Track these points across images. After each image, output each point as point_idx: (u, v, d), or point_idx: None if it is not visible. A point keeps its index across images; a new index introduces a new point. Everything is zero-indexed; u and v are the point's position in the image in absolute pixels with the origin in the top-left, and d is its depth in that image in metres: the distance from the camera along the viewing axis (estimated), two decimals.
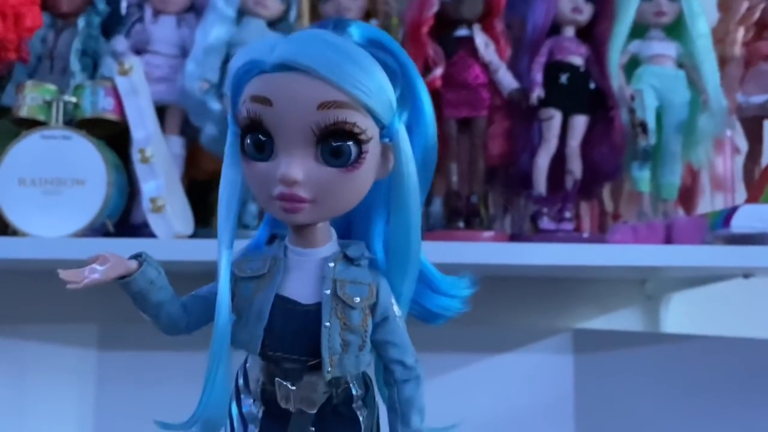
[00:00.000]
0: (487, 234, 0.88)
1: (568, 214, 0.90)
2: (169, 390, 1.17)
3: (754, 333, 0.92)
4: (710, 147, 0.90)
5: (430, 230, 0.90)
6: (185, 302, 0.42)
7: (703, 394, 1.03)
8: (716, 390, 1.01)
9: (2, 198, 0.77)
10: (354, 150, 0.38)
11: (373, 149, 0.38)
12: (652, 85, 0.89)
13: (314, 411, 0.40)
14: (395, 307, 0.41)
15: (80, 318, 1.14)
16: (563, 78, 0.89)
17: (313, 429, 0.40)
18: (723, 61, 0.92)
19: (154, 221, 0.77)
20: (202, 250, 0.77)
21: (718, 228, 0.77)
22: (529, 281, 1.19)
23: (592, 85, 0.90)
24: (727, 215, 0.76)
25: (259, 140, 0.38)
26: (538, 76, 0.89)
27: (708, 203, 1.04)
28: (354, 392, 0.41)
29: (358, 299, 0.40)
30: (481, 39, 0.89)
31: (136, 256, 0.40)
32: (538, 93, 0.88)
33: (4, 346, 1.03)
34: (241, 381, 0.43)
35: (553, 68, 0.90)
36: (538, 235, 0.88)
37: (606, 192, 1.04)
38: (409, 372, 0.42)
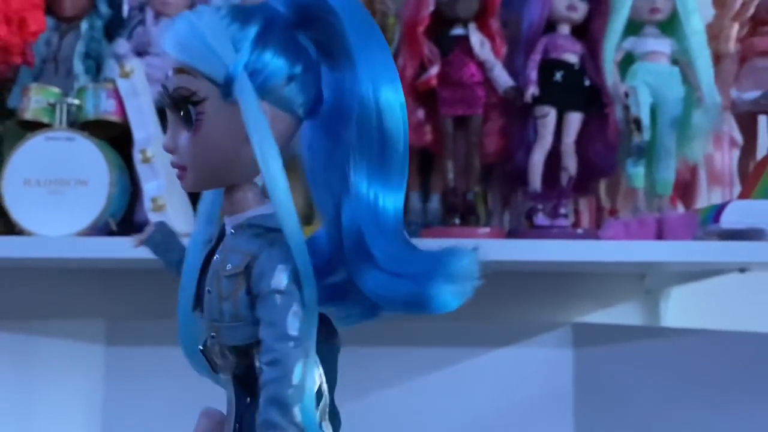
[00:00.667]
0: (483, 230, 0.89)
1: (563, 210, 0.91)
2: (176, 385, 1.19)
3: (752, 327, 0.93)
4: (706, 143, 0.91)
5: (426, 227, 0.92)
6: None
7: (703, 387, 1.04)
8: (715, 383, 1.02)
9: (9, 198, 0.80)
10: (193, 111, 0.39)
11: (211, 110, 0.39)
12: (647, 81, 0.90)
13: (227, 376, 0.42)
14: (277, 283, 0.38)
15: (88, 313, 1.16)
16: (558, 75, 0.90)
17: (232, 394, 0.42)
18: (717, 58, 0.93)
19: (155, 220, 0.79)
20: None
21: (709, 223, 0.78)
22: (528, 276, 1.20)
23: (586, 83, 0.91)
24: (718, 211, 0.77)
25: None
26: (533, 73, 0.90)
27: (706, 199, 1.05)
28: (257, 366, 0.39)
29: (229, 266, 0.39)
30: (476, 38, 0.90)
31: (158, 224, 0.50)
32: (532, 91, 0.89)
33: (14, 341, 1.05)
34: None
35: (548, 66, 0.91)
36: (534, 231, 0.89)
37: (603, 188, 1.05)
38: (266, 371, 0.37)
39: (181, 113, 0.39)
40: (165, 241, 0.49)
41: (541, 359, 1.20)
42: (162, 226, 0.50)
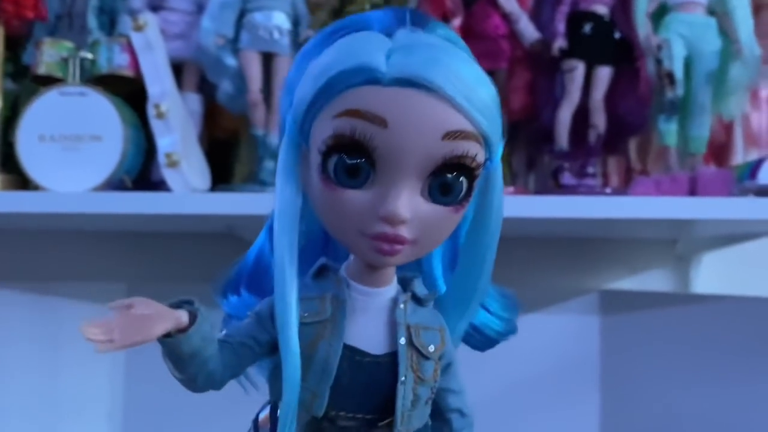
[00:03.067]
0: (508, 189, 0.86)
1: (591, 170, 0.88)
2: None
3: None
4: (743, 99, 0.87)
5: None
6: (220, 350, 0.34)
7: (733, 355, 1.01)
8: (746, 350, 0.99)
9: (23, 154, 0.79)
10: (465, 186, 0.32)
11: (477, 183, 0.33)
12: (681, 33, 0.85)
13: None
14: (453, 350, 0.37)
15: (109, 277, 1.16)
16: (587, 28, 0.86)
17: None
18: (757, 8, 0.88)
19: (169, 176, 0.78)
20: (217, 204, 0.77)
21: (746, 180, 0.74)
22: (555, 242, 1.17)
23: (617, 35, 0.87)
24: (755, 167, 0.73)
25: (354, 164, 0.31)
26: (561, 25, 0.86)
27: (741, 160, 1.00)
28: None
29: (432, 348, 0.35)
30: None
31: (182, 304, 0.32)
32: (560, 43, 0.85)
33: (39, 302, 1.06)
34: None
35: (577, 18, 0.87)
36: (560, 190, 0.86)
37: (633, 148, 1.01)
38: (465, 420, 0.38)
39: (442, 181, 0.32)
40: (211, 328, 0.33)
41: (568, 326, 1.17)
42: (201, 307, 0.33)
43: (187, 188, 0.79)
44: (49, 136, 0.79)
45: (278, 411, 0.34)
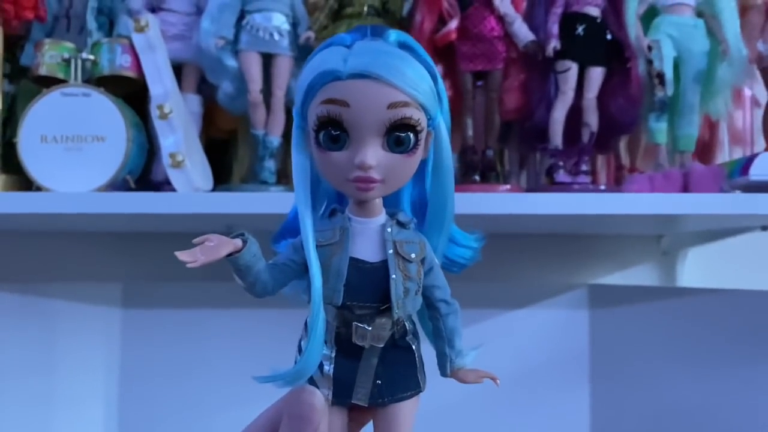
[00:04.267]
0: (503, 188, 0.88)
1: (584, 167, 0.90)
2: (192, 346, 1.20)
3: None
4: (729, 98, 0.89)
5: None
6: (270, 269, 0.49)
7: (719, 347, 1.03)
8: (731, 343, 1.02)
9: (25, 155, 0.79)
10: (412, 139, 0.46)
11: (424, 137, 0.47)
12: (670, 34, 0.88)
13: (382, 345, 0.48)
14: (435, 258, 0.50)
15: (105, 277, 1.16)
16: (580, 29, 0.88)
17: (375, 360, 0.49)
18: (744, 9, 0.91)
19: (174, 176, 0.79)
20: (221, 203, 0.78)
21: (736, 176, 0.76)
22: (544, 238, 1.19)
23: (608, 36, 0.89)
24: (746, 163, 0.76)
25: (335, 135, 0.45)
26: (555, 27, 0.88)
27: (726, 158, 1.03)
28: (407, 327, 0.50)
29: (413, 255, 0.48)
30: None
31: (239, 235, 0.47)
32: (554, 44, 0.87)
33: (33, 304, 1.05)
34: None
35: (570, 19, 0.88)
36: (555, 188, 0.88)
37: (622, 146, 1.04)
38: (450, 306, 0.50)
39: (395, 137, 0.46)
40: (258, 249, 0.48)
41: (558, 320, 1.19)
42: (249, 235, 0.48)
43: (191, 188, 0.80)
44: (51, 136, 0.79)
45: None
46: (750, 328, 0.99)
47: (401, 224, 0.49)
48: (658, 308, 1.14)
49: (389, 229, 0.48)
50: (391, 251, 0.48)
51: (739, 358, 1.00)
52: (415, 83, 0.45)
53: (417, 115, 0.45)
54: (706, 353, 1.06)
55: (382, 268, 0.48)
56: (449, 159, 0.49)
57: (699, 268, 1.23)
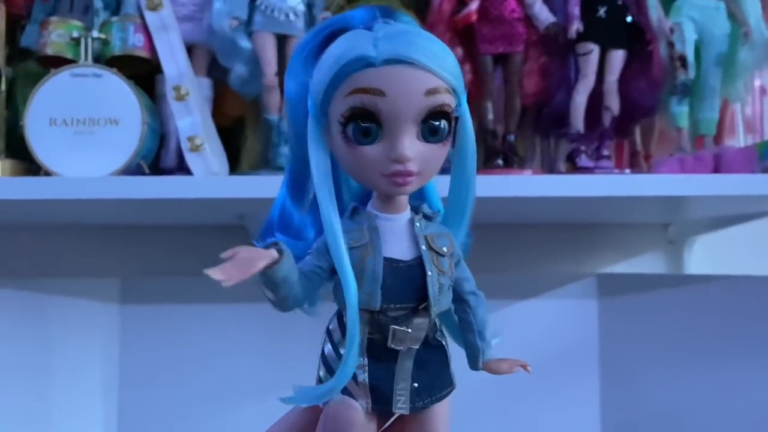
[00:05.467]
0: (526, 171, 0.86)
1: (606, 152, 0.89)
2: (191, 342, 1.17)
3: None
4: (750, 82, 0.89)
5: None
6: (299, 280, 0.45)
7: (729, 334, 1.03)
8: (742, 330, 1.02)
9: (33, 139, 0.75)
10: (446, 127, 0.43)
11: (455, 124, 0.44)
12: (692, 17, 0.87)
13: (418, 346, 0.45)
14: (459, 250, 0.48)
15: (102, 273, 1.12)
16: (601, 11, 0.87)
17: (411, 362, 0.46)
18: None
19: (192, 160, 0.75)
20: (242, 188, 0.75)
21: (767, 158, 0.76)
22: (552, 228, 1.18)
23: (629, 19, 0.88)
24: None
25: (366, 127, 0.42)
26: (576, 9, 0.87)
27: (741, 144, 1.03)
28: (437, 325, 0.47)
29: (445, 248, 0.45)
30: None
31: (271, 244, 0.42)
32: (577, 26, 0.86)
33: (30, 300, 1.01)
34: (338, 337, 0.47)
35: (591, 1, 0.87)
36: (577, 172, 0.87)
37: (637, 132, 1.03)
38: (478, 298, 0.48)
39: (430, 126, 0.42)
40: (293, 259, 0.43)
41: (567, 310, 1.19)
42: (283, 244, 0.43)
43: (210, 172, 0.76)
44: (60, 119, 0.75)
45: (343, 316, 0.44)
46: (759, 314, 0.99)
47: (427, 217, 0.46)
48: (667, 296, 1.14)
49: (418, 224, 0.45)
50: (424, 247, 0.45)
51: (749, 344, 1.00)
52: (450, 66, 0.42)
53: (451, 101, 0.42)
54: (715, 340, 1.06)
55: (417, 265, 0.44)
56: (473, 145, 0.46)
57: (706, 256, 1.23)
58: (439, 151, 0.43)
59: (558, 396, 1.18)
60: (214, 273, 0.38)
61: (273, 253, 0.41)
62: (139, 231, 1.11)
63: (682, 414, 1.10)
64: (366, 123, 0.42)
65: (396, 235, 0.45)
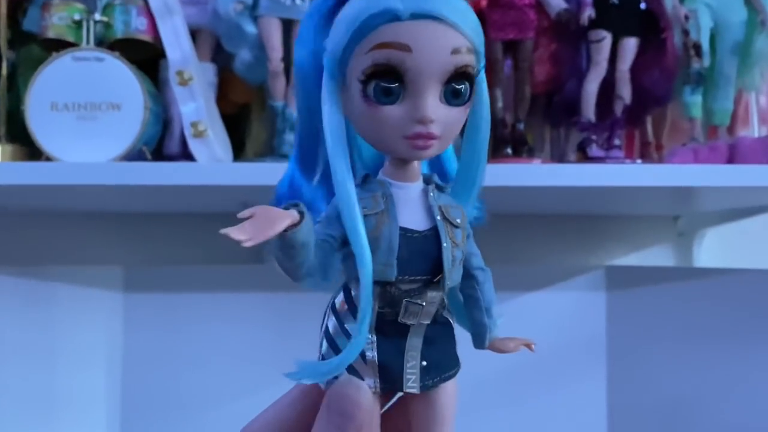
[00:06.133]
0: (536, 161, 0.85)
1: (617, 142, 0.87)
2: (194, 330, 1.16)
3: None
4: (766, 71, 0.87)
5: None
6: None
7: (738, 327, 1.02)
8: (752, 323, 1.00)
9: (34, 123, 0.74)
10: (468, 89, 0.41)
11: (474, 88, 0.42)
12: (707, 4, 0.85)
13: (429, 322, 0.44)
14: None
15: (105, 260, 1.12)
16: None
17: (420, 339, 0.44)
18: None
19: (195, 147, 0.74)
20: (247, 175, 0.74)
21: None
22: (560, 219, 1.17)
23: (642, 6, 0.86)
24: None
25: (388, 86, 0.40)
26: None
27: (755, 134, 1.01)
28: (445, 300, 0.45)
29: (458, 220, 0.44)
30: None
31: (292, 206, 0.39)
32: (589, 12, 0.84)
33: (33, 288, 1.00)
34: (344, 311, 0.45)
35: None
36: (588, 162, 0.85)
37: (648, 122, 1.01)
38: (486, 274, 0.46)
39: (452, 88, 0.40)
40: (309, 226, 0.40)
41: (575, 302, 1.17)
42: (303, 206, 0.40)
43: (213, 159, 0.75)
44: (62, 104, 0.74)
45: (352, 290, 0.43)
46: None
47: (440, 188, 0.44)
48: (676, 289, 1.12)
49: (432, 194, 0.43)
50: (439, 217, 0.43)
51: (759, 337, 0.99)
52: (475, 25, 0.40)
53: (474, 63, 0.40)
54: (724, 335, 1.04)
55: (432, 236, 0.43)
56: (488, 111, 0.44)
57: (716, 249, 1.22)
58: (459, 116, 0.41)
59: (565, 388, 1.17)
60: (233, 232, 0.35)
61: (294, 213, 0.38)
62: (142, 219, 1.10)
63: (690, 407, 1.09)
64: (389, 80, 0.39)
65: (410, 204, 0.43)
